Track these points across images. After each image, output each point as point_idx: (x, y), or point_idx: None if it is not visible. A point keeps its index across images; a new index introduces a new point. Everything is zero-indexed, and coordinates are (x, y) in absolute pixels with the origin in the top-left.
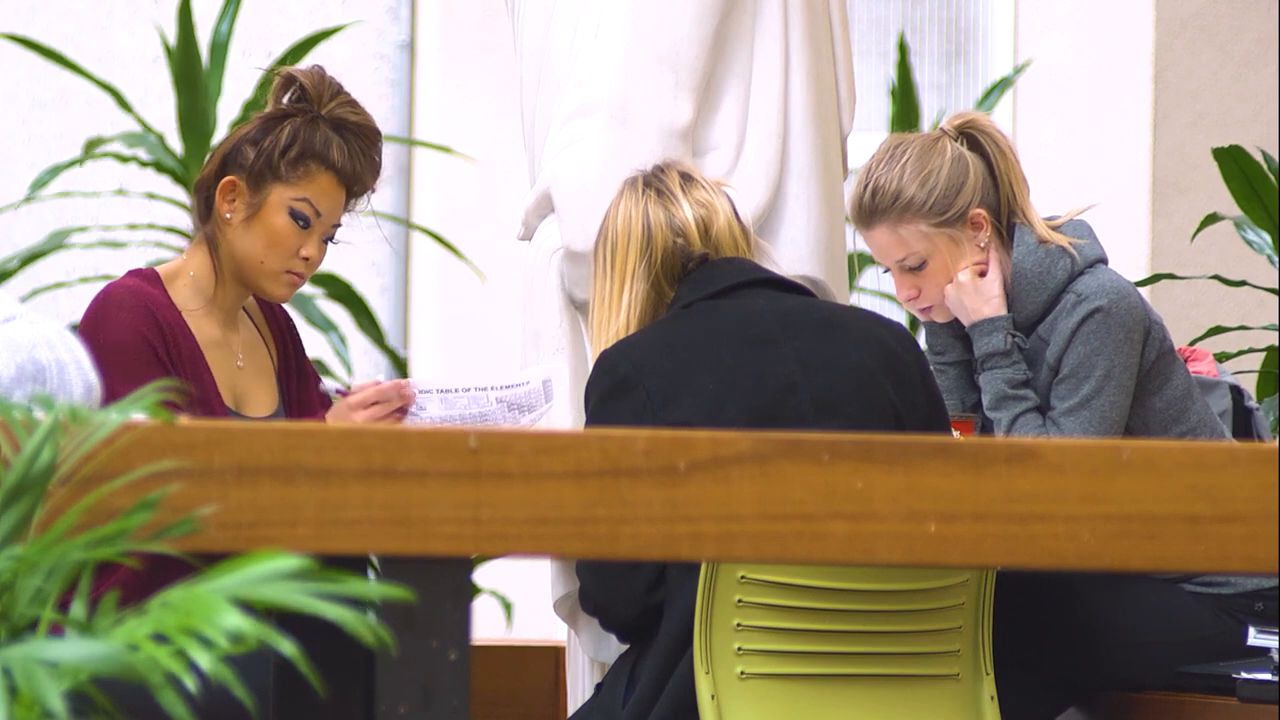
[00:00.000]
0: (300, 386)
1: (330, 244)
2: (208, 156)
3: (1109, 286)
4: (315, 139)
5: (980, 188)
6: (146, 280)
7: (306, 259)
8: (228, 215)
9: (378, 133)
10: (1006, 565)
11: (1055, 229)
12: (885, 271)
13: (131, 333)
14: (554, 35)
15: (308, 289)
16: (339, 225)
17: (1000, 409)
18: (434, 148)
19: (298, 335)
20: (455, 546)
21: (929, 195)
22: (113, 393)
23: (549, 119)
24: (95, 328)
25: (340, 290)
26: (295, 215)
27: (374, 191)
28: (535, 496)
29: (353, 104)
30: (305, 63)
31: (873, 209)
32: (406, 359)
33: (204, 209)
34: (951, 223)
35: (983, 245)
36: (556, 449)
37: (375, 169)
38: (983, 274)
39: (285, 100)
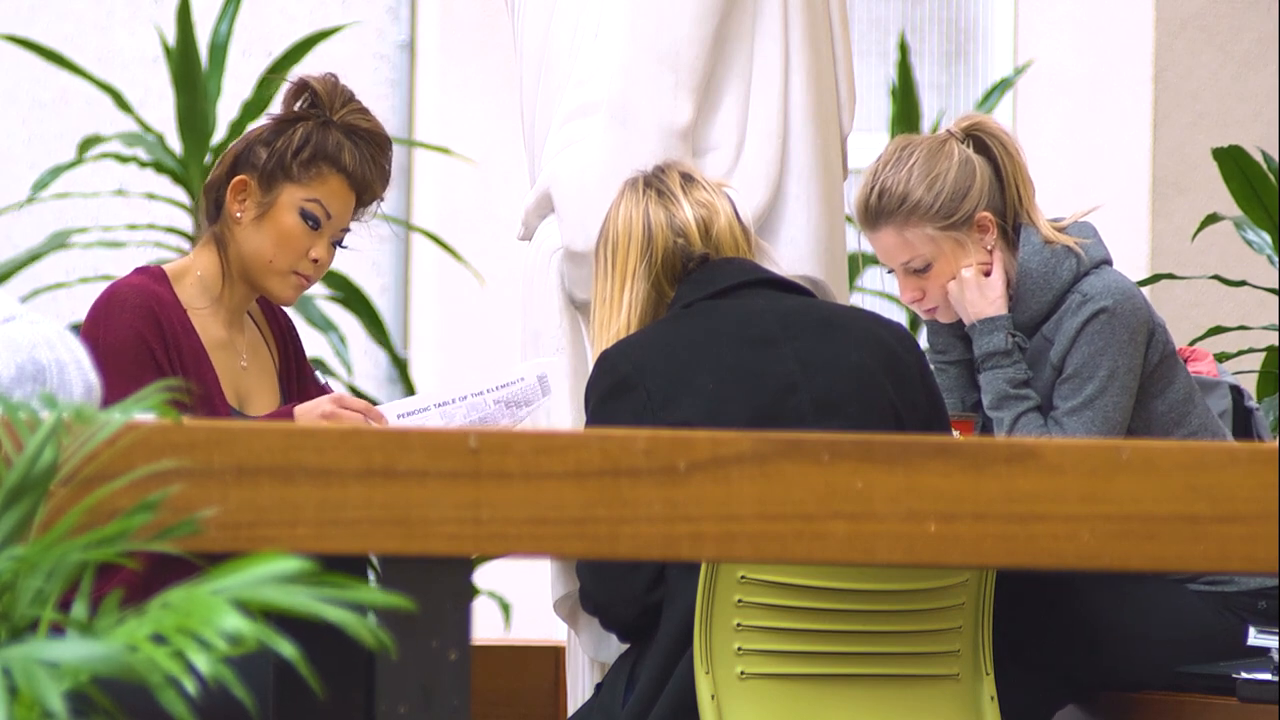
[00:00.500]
0: (300, 388)
1: (339, 248)
2: (218, 158)
3: (1114, 287)
4: (328, 142)
5: (987, 191)
6: (153, 278)
7: (315, 260)
8: (238, 214)
9: (388, 140)
10: (1006, 565)
11: (1061, 230)
12: (889, 272)
13: (130, 333)
14: (554, 35)
15: (309, 289)
16: (348, 230)
17: (1002, 408)
18: (433, 149)
19: (297, 336)
20: (455, 546)
21: (935, 198)
22: (105, 392)
23: (549, 119)
24: (96, 326)
25: (345, 290)
26: (306, 215)
27: (382, 200)
28: (535, 496)
29: (364, 111)
30: (305, 62)
31: (879, 211)
32: (406, 359)
33: (213, 209)
34: (957, 226)
35: (989, 248)
36: (556, 449)
37: (385, 176)
38: (986, 274)
39: (297, 106)
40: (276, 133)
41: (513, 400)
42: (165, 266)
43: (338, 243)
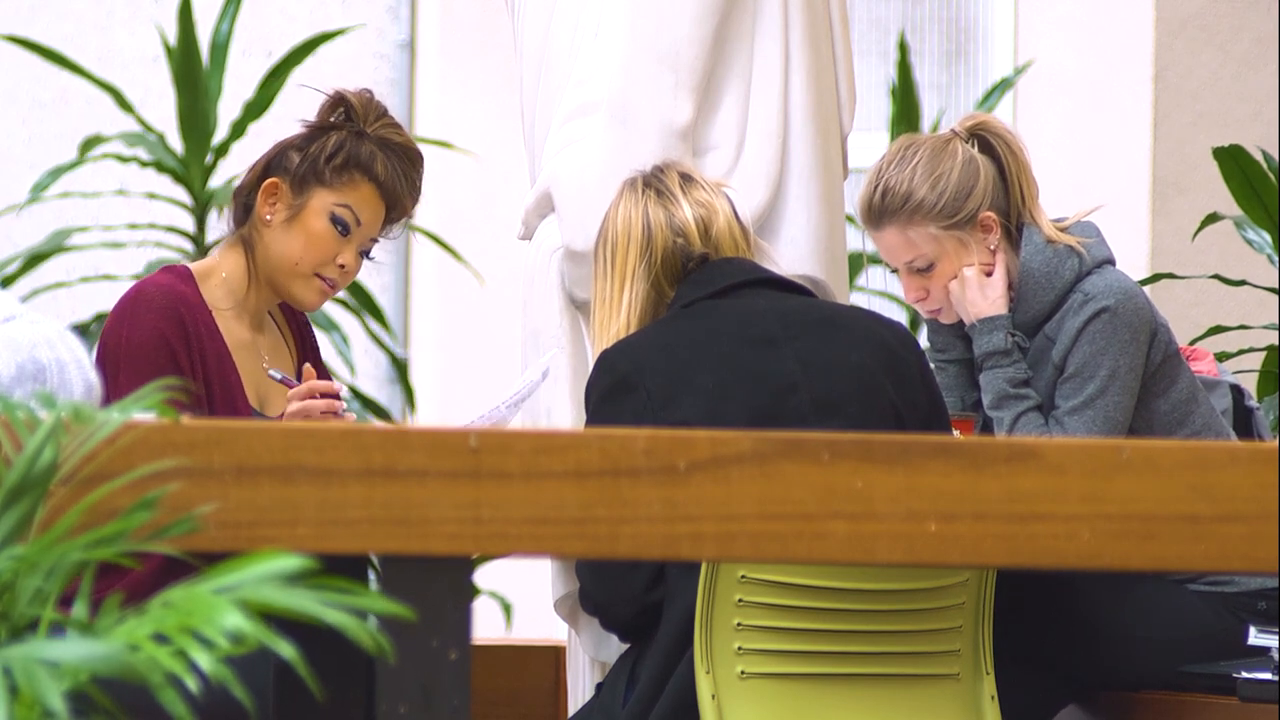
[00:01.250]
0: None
1: (366, 259)
2: (250, 164)
3: (1116, 287)
4: (361, 151)
5: (990, 190)
6: (179, 278)
7: (342, 267)
8: (268, 217)
9: (420, 156)
10: (1007, 565)
11: (1063, 230)
12: (893, 272)
13: (153, 333)
14: (554, 35)
15: None
16: (376, 241)
17: (1002, 408)
18: (434, 143)
19: (313, 335)
20: (455, 546)
21: (939, 198)
22: (119, 390)
23: (549, 118)
24: (120, 323)
25: (349, 289)
26: (336, 220)
27: (411, 217)
28: (535, 496)
29: (397, 126)
30: (306, 63)
31: (882, 210)
32: (407, 359)
33: (241, 213)
34: (961, 225)
35: (992, 248)
36: (556, 449)
37: (416, 191)
38: (989, 274)
39: (332, 118)
40: (310, 139)
41: (520, 397)
42: (191, 266)
43: (365, 253)
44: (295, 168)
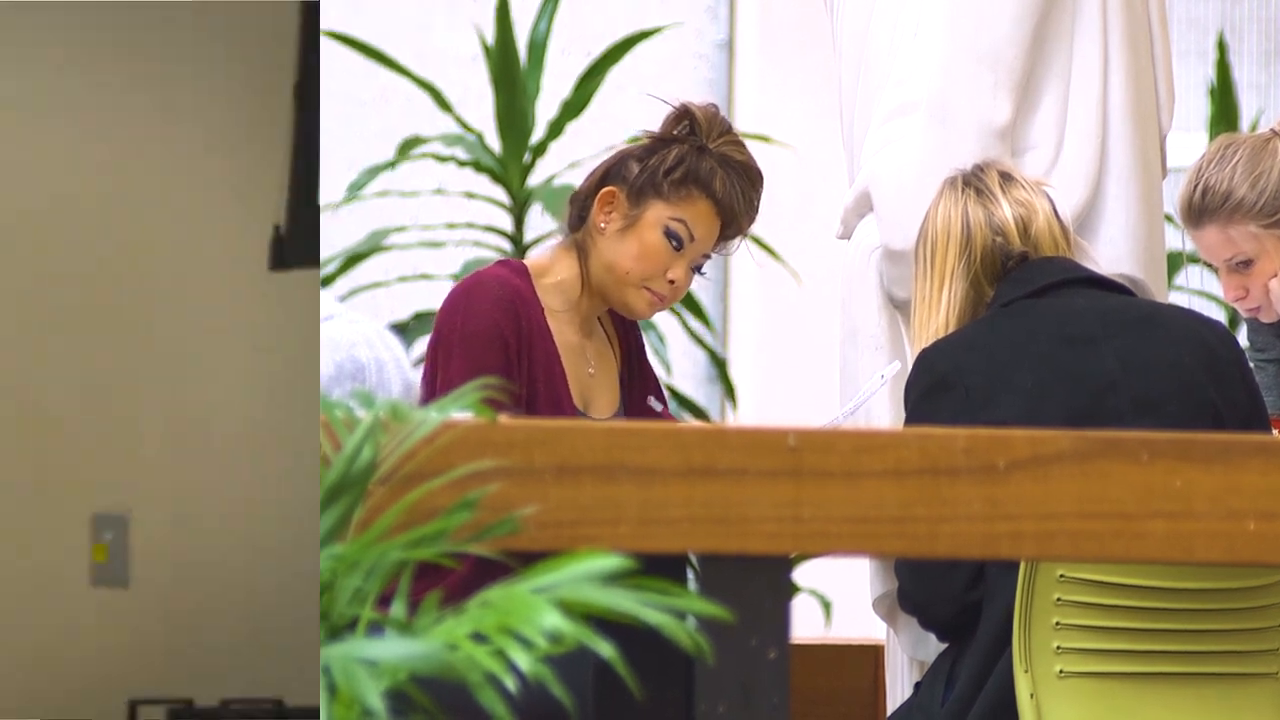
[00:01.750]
0: (642, 390)
1: (697, 274)
2: (589, 171)
3: None
4: (701, 167)
5: None
6: (515, 272)
7: (672, 281)
8: (602, 225)
9: (760, 176)
10: None
11: None
12: (1212, 270)
13: (489, 323)
14: (873, 34)
15: None
16: (709, 257)
17: None
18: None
19: (640, 339)
20: (774, 545)
21: (1259, 196)
22: (450, 379)
23: (868, 118)
24: (455, 311)
25: None
26: (670, 234)
27: (745, 236)
28: (855, 495)
29: (740, 144)
30: (624, 62)
31: (1202, 209)
32: (726, 358)
33: (576, 218)
34: None
35: None
36: (876, 448)
37: (753, 210)
38: None
39: (676, 130)
40: (651, 150)
41: (857, 405)
42: (527, 262)
43: (697, 268)
44: (634, 178)
